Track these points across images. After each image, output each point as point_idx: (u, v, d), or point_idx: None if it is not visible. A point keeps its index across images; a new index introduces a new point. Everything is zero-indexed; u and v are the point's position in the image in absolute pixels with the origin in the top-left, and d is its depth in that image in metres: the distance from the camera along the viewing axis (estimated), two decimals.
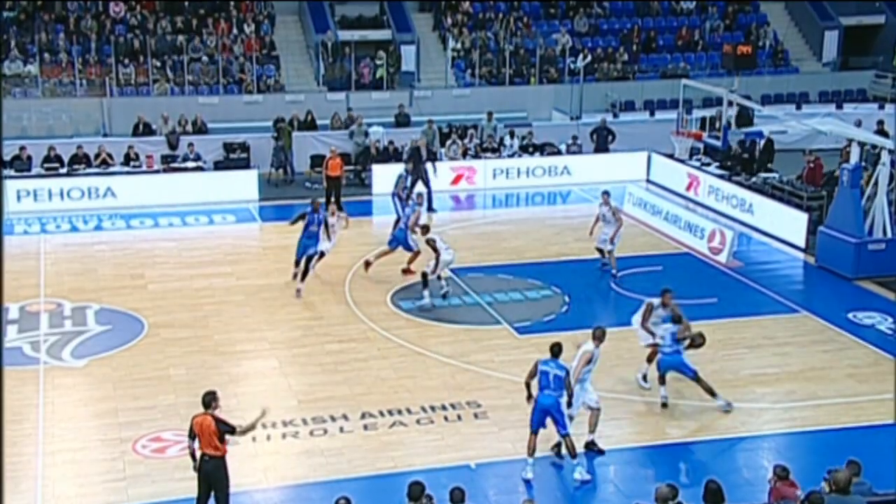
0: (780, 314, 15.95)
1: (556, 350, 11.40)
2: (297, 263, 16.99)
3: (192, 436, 10.05)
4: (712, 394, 12.79)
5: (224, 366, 14.27)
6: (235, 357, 14.62)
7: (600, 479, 11.63)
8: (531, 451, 11.28)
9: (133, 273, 18.02)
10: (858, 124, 22.19)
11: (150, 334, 15.30)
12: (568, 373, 11.18)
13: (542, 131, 25.88)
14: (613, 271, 17.80)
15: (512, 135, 25.10)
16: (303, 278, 16.81)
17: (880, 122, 23.67)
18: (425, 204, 21.77)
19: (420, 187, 21.18)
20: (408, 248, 17.48)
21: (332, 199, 21.44)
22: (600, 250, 18.09)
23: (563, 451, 11.43)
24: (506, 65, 28.51)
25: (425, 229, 16.99)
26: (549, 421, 11.28)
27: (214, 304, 16.60)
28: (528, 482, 11.25)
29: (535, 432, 11.24)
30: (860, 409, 12.96)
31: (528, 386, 11.43)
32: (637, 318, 13.53)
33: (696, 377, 12.81)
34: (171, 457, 11.67)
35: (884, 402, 13.14)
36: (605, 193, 18.18)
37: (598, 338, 11.89)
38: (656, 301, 13.37)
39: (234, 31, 28.24)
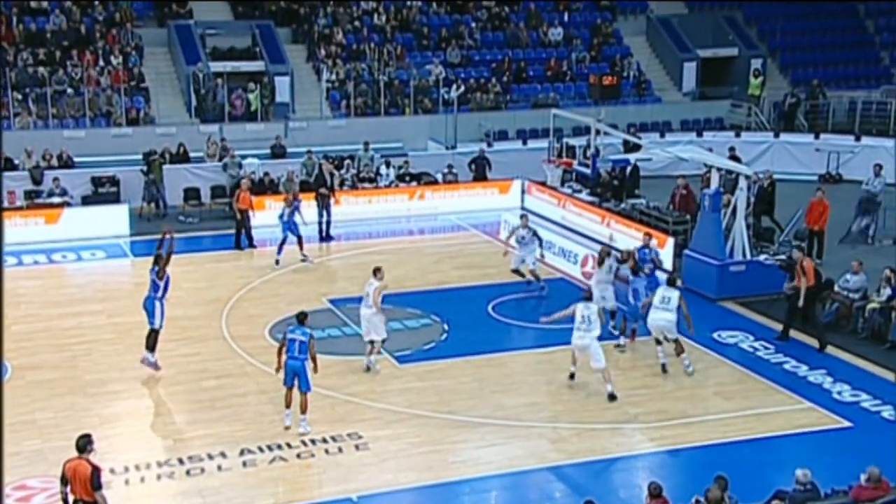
0: (649, 336, 16.43)
1: (301, 317, 13.00)
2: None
3: (63, 481, 9.63)
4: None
5: (95, 407, 13.75)
6: (107, 398, 14.11)
7: None
8: (287, 404, 12.86)
9: None
10: (710, 150, 23.13)
11: (13, 377, 14.59)
12: (311, 337, 12.71)
13: (419, 161, 26.12)
14: (542, 285, 18.17)
15: (388, 164, 25.22)
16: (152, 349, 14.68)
17: (731, 149, 24.76)
18: (324, 232, 21.88)
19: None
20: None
21: (243, 232, 21.23)
22: (518, 272, 18.45)
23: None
24: (380, 95, 28.67)
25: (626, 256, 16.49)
26: None
27: (84, 344, 16.00)
28: (287, 428, 12.87)
29: (289, 388, 12.80)
30: (727, 426, 13.46)
31: (279, 355, 12.81)
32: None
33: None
34: None
35: (748, 417, 13.71)
36: (524, 217, 18.72)
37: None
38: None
39: (101, 62, 27.46)
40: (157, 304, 14.56)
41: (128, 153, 24.66)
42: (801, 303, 16.11)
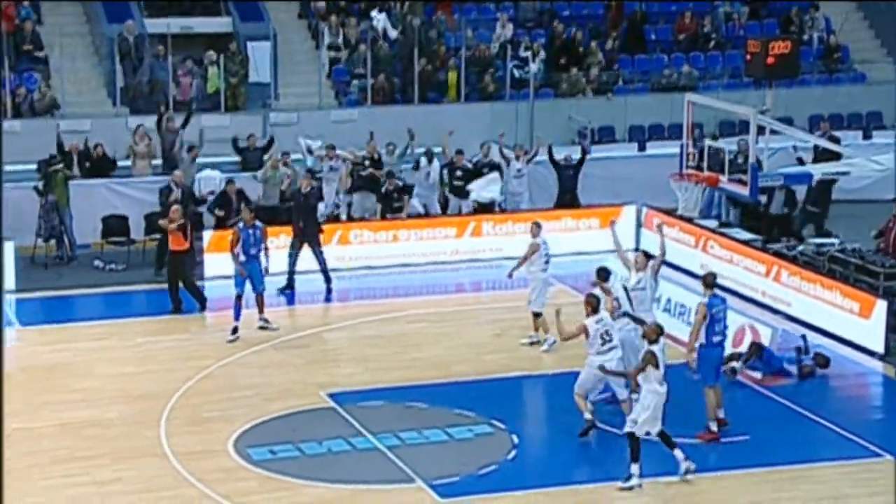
0: (849, 460, 16.26)
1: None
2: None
3: None
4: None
5: None
6: None
7: None
8: None
9: None
10: None
11: None
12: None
13: None
14: (544, 347, 19.52)
15: (430, 158, 25.54)
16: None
17: None
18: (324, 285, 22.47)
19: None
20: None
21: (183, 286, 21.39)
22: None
23: None
24: (413, 72, 28.95)
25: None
26: None
27: None
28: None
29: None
30: None
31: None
32: None
33: None
34: None
35: None
36: (535, 225, 20.24)
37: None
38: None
39: None
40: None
41: (14, 160, 25.06)
42: None
